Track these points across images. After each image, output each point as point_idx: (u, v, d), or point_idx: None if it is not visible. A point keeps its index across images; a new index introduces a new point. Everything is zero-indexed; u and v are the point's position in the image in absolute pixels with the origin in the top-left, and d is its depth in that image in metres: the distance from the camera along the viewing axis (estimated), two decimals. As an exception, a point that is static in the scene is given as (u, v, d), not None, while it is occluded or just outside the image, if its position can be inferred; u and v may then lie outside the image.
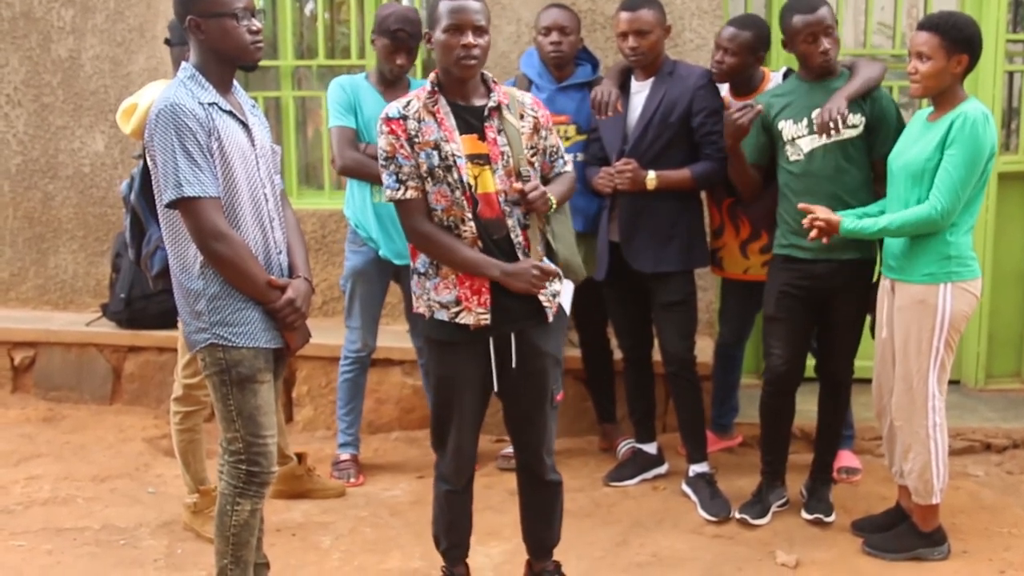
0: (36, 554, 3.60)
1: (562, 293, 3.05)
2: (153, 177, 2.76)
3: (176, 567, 3.52)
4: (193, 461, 3.73)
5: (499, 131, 2.89)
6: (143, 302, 5.05)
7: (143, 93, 3.67)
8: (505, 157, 2.88)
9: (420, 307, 2.98)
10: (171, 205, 2.70)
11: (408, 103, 2.88)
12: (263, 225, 2.85)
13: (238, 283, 2.76)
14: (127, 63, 5.37)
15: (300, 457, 4.10)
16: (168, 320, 4.98)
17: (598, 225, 4.09)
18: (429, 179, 2.85)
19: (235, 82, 2.90)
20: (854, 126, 3.57)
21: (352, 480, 4.24)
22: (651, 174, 3.83)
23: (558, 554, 3.26)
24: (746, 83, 4.03)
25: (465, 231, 2.86)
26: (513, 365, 2.96)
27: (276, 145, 3.03)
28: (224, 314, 2.76)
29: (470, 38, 2.80)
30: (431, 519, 3.20)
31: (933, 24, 3.28)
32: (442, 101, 2.88)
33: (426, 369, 3.11)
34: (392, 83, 4.14)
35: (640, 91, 3.96)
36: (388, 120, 2.86)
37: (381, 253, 4.15)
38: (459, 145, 2.85)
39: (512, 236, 2.91)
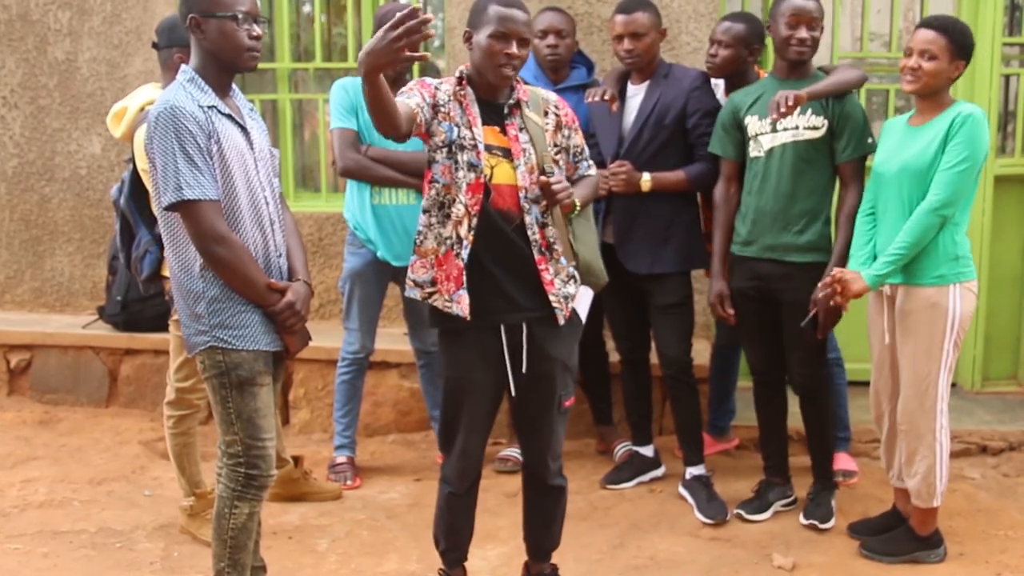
0: (32, 557, 3.59)
1: (578, 298, 3.01)
2: (152, 180, 2.76)
3: (173, 570, 3.52)
4: (188, 464, 3.72)
5: (520, 128, 2.91)
6: (139, 305, 5.05)
7: (134, 96, 3.68)
8: (527, 154, 2.88)
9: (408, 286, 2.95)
10: (171, 208, 2.69)
11: (441, 82, 2.90)
12: (263, 228, 2.85)
13: (237, 286, 2.75)
14: (124, 66, 5.37)
15: (296, 460, 4.10)
16: (164, 323, 5.00)
17: None
18: (445, 151, 2.84)
19: (233, 85, 2.91)
20: (815, 127, 3.58)
21: (349, 483, 4.24)
22: (646, 176, 3.84)
23: (555, 556, 3.26)
24: (741, 81, 4.04)
25: (455, 212, 2.83)
26: (523, 368, 2.93)
27: (274, 148, 3.03)
28: (224, 317, 2.76)
29: (514, 49, 2.81)
30: (433, 518, 3.19)
31: (941, 25, 3.30)
32: (469, 91, 2.90)
33: (437, 370, 3.08)
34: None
35: (636, 94, 3.98)
36: (422, 81, 2.87)
37: (380, 255, 4.15)
38: (480, 131, 2.86)
39: (529, 233, 2.88)
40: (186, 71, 2.80)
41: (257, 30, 2.79)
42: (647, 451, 4.28)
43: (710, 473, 4.06)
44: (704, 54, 4.16)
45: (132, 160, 3.61)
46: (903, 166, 3.37)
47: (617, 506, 4.03)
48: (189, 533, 3.73)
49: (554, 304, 2.91)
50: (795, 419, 3.94)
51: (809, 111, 3.58)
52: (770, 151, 3.64)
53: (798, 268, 3.61)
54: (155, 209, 2.81)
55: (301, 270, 2.96)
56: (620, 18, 3.87)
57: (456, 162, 2.83)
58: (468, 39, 2.90)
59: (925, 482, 3.42)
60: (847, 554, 3.58)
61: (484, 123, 2.88)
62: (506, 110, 2.90)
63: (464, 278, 2.84)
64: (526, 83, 4.15)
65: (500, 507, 3.94)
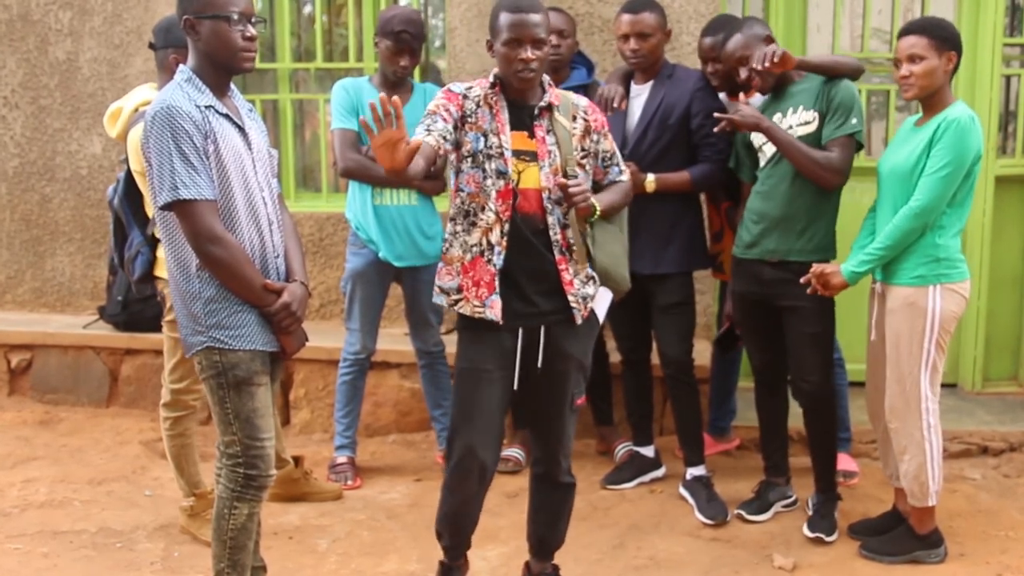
0: (32, 557, 3.59)
1: (597, 300, 3.05)
2: (148, 179, 2.76)
3: (173, 570, 3.52)
4: (186, 465, 3.72)
5: (548, 131, 2.95)
6: (140, 305, 5.04)
7: (129, 97, 3.68)
8: (552, 156, 2.93)
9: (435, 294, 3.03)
10: (166, 207, 2.69)
11: (471, 87, 2.96)
12: (260, 228, 2.84)
13: (233, 286, 2.75)
14: (124, 66, 5.37)
15: (297, 460, 4.10)
16: (164, 323, 5.00)
17: None
18: (470, 160, 2.91)
19: (232, 86, 2.90)
20: (807, 123, 3.58)
21: (349, 483, 4.24)
22: (650, 177, 3.84)
23: (555, 557, 3.26)
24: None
25: (483, 219, 2.89)
26: (539, 365, 2.97)
27: (273, 149, 3.03)
28: (220, 317, 2.76)
29: (528, 52, 2.85)
30: (434, 516, 3.19)
31: (918, 27, 3.35)
32: (501, 96, 2.95)
33: (455, 366, 3.11)
34: (395, 85, 4.14)
35: (639, 94, 3.97)
36: (449, 91, 2.94)
37: (381, 255, 4.15)
38: (508, 138, 2.91)
39: (551, 234, 2.93)
40: (184, 71, 2.79)
41: (251, 31, 2.79)
42: (648, 451, 4.28)
43: (711, 474, 4.06)
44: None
45: (127, 160, 3.61)
46: (891, 167, 3.41)
47: (617, 506, 4.03)
48: (189, 533, 3.73)
49: (572, 304, 2.96)
50: (796, 419, 3.94)
51: (800, 108, 3.59)
52: (772, 157, 3.64)
53: (800, 270, 3.60)
54: (152, 209, 2.81)
55: (299, 271, 2.96)
56: (627, 17, 3.87)
57: (484, 171, 2.89)
58: (490, 48, 2.97)
59: (917, 481, 3.42)
60: (847, 554, 3.57)
61: (513, 128, 2.93)
62: (536, 111, 2.95)
63: (497, 283, 2.90)
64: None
65: (500, 507, 3.94)
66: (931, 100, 3.37)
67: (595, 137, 3.05)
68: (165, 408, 3.69)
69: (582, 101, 3.07)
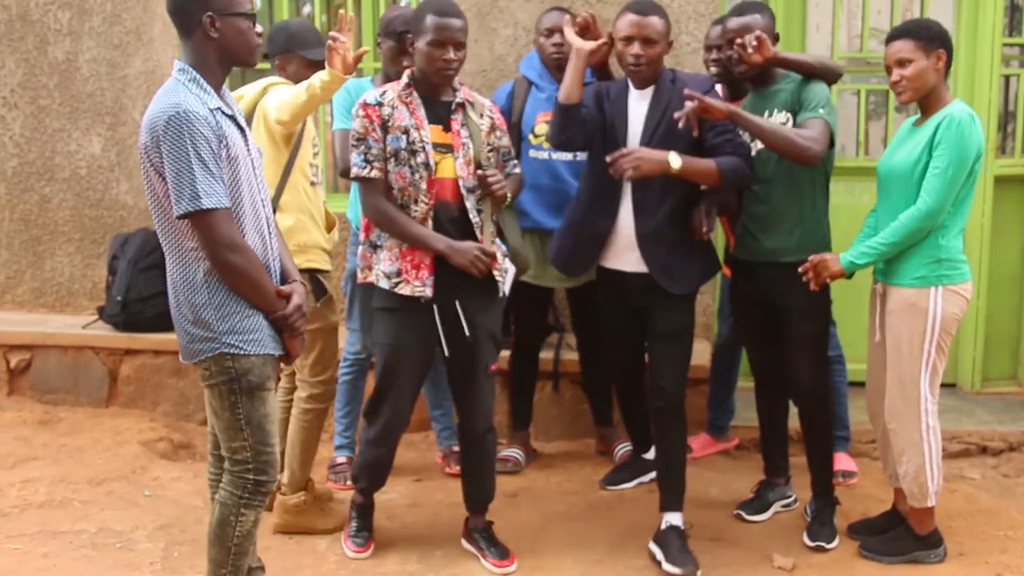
0: (32, 557, 3.59)
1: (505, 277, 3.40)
2: (149, 186, 2.66)
3: (173, 570, 3.52)
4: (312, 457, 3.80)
5: (463, 125, 3.32)
6: (139, 305, 5.04)
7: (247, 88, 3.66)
8: (466, 148, 3.30)
9: (369, 277, 3.35)
10: (186, 216, 2.58)
11: (384, 92, 3.29)
12: (261, 231, 2.78)
13: (249, 294, 2.68)
14: (124, 66, 5.37)
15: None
16: (165, 323, 4.98)
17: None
18: (393, 160, 3.23)
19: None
20: (783, 124, 3.51)
21: (348, 483, 4.23)
22: (673, 155, 3.36)
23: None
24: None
25: (416, 210, 3.24)
26: (466, 334, 3.31)
27: (259, 147, 2.96)
28: (233, 322, 2.68)
29: (451, 54, 3.20)
30: (354, 464, 3.67)
31: (903, 31, 3.36)
32: (415, 94, 3.30)
33: (373, 339, 3.42)
34: (391, 81, 4.14)
35: (640, 101, 3.57)
36: (365, 105, 3.25)
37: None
38: (428, 133, 3.25)
39: (471, 216, 3.29)
40: (187, 71, 2.67)
41: (260, 28, 2.78)
42: (647, 454, 4.27)
43: (688, 526, 3.59)
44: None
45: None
46: (891, 168, 3.42)
47: (617, 507, 4.03)
48: (303, 530, 3.73)
49: (497, 278, 3.32)
50: (795, 419, 3.93)
51: (775, 110, 3.54)
52: (757, 155, 3.60)
53: (792, 269, 3.57)
54: (154, 216, 2.72)
55: (293, 270, 2.90)
56: (632, 18, 3.44)
57: (410, 166, 3.23)
58: (411, 45, 3.28)
59: (916, 482, 3.42)
60: (847, 554, 3.58)
61: (430, 122, 3.28)
62: (452, 107, 3.31)
63: (434, 265, 3.24)
64: (531, 83, 4.22)
65: (500, 507, 3.92)
66: (927, 100, 3.37)
67: (498, 134, 3.43)
68: (311, 400, 3.72)
69: (486, 101, 3.47)
